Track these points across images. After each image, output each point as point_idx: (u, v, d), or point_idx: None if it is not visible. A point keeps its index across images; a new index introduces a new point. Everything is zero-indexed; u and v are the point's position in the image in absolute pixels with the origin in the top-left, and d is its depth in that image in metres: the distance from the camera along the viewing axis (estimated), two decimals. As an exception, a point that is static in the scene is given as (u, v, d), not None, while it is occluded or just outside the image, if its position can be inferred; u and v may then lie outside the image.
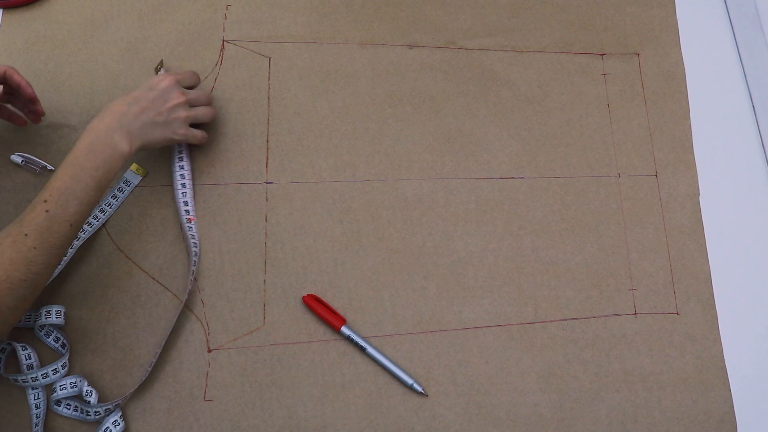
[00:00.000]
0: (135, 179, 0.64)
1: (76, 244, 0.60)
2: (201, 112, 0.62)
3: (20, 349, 0.56)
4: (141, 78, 0.67)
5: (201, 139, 0.63)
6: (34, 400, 0.56)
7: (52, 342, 0.57)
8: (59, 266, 0.59)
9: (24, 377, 0.55)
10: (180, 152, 0.64)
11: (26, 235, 0.49)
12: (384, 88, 0.70)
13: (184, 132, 0.61)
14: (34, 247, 0.49)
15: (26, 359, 0.56)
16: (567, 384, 0.62)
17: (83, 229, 0.61)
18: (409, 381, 0.60)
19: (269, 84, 0.69)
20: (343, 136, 0.68)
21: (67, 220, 0.51)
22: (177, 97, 0.59)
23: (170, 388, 0.58)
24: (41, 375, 0.55)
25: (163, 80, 0.59)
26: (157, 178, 0.64)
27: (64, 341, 0.58)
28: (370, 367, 0.61)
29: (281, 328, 0.61)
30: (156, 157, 0.65)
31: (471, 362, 0.62)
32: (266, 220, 0.64)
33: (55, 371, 0.56)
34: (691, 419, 0.62)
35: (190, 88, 0.63)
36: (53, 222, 0.50)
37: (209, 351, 0.60)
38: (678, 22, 0.77)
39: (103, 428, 0.55)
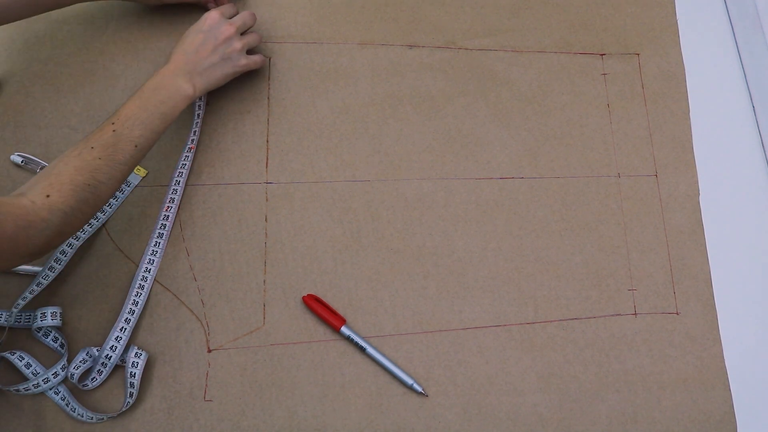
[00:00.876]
0: (135, 179, 0.64)
1: (76, 244, 0.60)
2: (252, 39, 0.65)
3: (17, 360, 0.56)
4: (141, 78, 0.67)
5: (262, 62, 0.66)
6: (61, 400, 0.56)
7: (51, 342, 0.57)
8: (60, 267, 0.59)
9: (26, 386, 0.55)
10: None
11: (92, 147, 0.52)
12: (384, 88, 0.70)
13: (244, 62, 0.63)
14: (99, 158, 0.51)
15: (26, 368, 0.56)
16: (567, 384, 0.62)
17: (83, 229, 0.61)
18: (409, 381, 0.60)
19: (269, 84, 0.69)
20: (343, 136, 0.68)
21: (132, 140, 0.54)
22: (226, 30, 0.61)
23: (170, 388, 0.58)
24: (42, 380, 0.55)
25: (208, 18, 0.61)
26: (157, 178, 0.64)
27: (63, 341, 0.58)
28: (370, 367, 0.61)
29: (281, 328, 0.61)
30: (156, 158, 0.65)
31: (471, 362, 0.62)
32: (266, 220, 0.64)
33: (56, 374, 0.56)
34: (691, 419, 0.62)
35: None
36: (119, 139, 0.53)
37: (209, 351, 0.60)
38: (678, 22, 0.77)
39: (129, 362, 0.57)
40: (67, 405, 0.56)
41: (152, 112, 0.56)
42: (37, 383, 0.55)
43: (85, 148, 0.51)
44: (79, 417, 0.56)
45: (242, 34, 0.64)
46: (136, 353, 0.57)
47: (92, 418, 0.56)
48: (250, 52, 0.66)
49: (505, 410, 0.61)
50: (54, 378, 0.55)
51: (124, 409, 0.56)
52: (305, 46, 0.71)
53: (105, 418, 0.56)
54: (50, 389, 0.56)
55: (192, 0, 0.68)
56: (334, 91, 0.69)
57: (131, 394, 0.56)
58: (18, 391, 0.55)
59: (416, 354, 0.62)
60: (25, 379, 0.56)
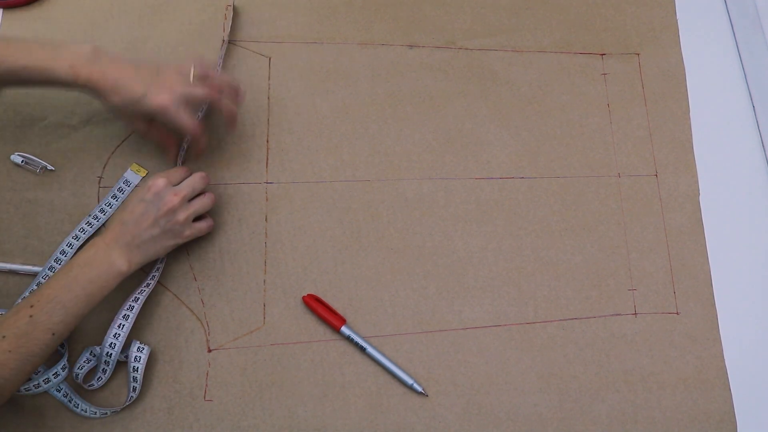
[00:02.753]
0: (135, 179, 0.64)
1: (76, 244, 0.60)
2: (200, 205, 0.58)
3: None
4: (141, 78, 0.67)
5: (207, 228, 0.60)
6: (63, 396, 0.56)
7: None
8: (60, 267, 0.59)
9: (26, 386, 0.55)
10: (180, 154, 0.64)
11: (3, 337, 0.47)
12: (384, 88, 0.70)
13: (188, 233, 0.58)
14: (9, 351, 0.47)
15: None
16: (567, 384, 0.62)
17: (83, 229, 0.61)
18: (409, 381, 0.60)
19: (269, 84, 0.69)
20: (343, 136, 0.68)
21: (50, 328, 0.49)
22: (170, 201, 0.56)
23: (170, 388, 0.58)
24: (43, 381, 0.55)
25: (153, 186, 0.56)
26: (157, 178, 0.64)
27: (63, 341, 0.58)
28: (370, 367, 0.61)
29: (281, 328, 0.61)
30: (156, 157, 0.65)
31: (471, 362, 0.62)
32: (266, 220, 0.64)
33: (56, 375, 0.56)
34: (691, 419, 0.62)
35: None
36: (35, 327, 0.49)
37: (209, 351, 0.60)
38: (678, 22, 0.77)
39: (132, 357, 0.57)
40: (69, 401, 0.56)
41: (77, 293, 0.51)
42: (38, 383, 0.55)
43: None
44: (82, 413, 0.56)
45: (192, 199, 0.58)
46: (138, 347, 0.57)
47: (95, 413, 0.56)
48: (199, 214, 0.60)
49: (505, 410, 0.61)
50: (55, 378, 0.55)
51: (127, 404, 0.56)
52: (305, 46, 0.71)
53: (108, 412, 0.56)
54: (51, 389, 0.56)
55: (154, 140, 0.63)
56: (334, 91, 0.69)
57: (134, 389, 0.56)
58: (19, 391, 0.55)
59: (416, 354, 0.62)
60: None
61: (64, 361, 0.56)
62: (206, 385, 0.59)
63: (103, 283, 0.53)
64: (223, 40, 0.69)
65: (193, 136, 0.61)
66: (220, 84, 0.60)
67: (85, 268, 0.52)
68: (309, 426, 0.59)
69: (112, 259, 0.53)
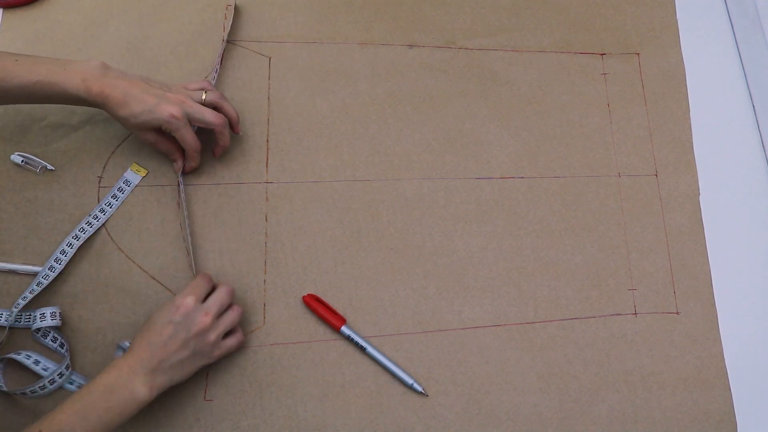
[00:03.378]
0: (135, 179, 0.64)
1: (76, 244, 0.60)
2: (230, 321, 0.56)
3: (24, 359, 0.56)
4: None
5: (237, 346, 0.58)
6: (77, 388, 0.57)
7: (50, 342, 0.57)
8: (60, 267, 0.59)
9: (32, 388, 0.55)
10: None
11: None
12: (384, 88, 0.70)
13: (218, 353, 0.56)
14: None
15: (36, 364, 0.56)
16: (567, 384, 0.62)
17: (83, 229, 0.61)
18: (409, 381, 0.60)
19: (269, 84, 0.69)
20: (343, 136, 0.68)
21: None
22: (201, 321, 0.53)
23: (170, 388, 0.58)
24: (48, 381, 0.55)
25: (181, 307, 0.53)
26: (157, 178, 0.64)
27: (63, 341, 0.58)
28: (370, 367, 0.61)
29: (281, 328, 0.61)
30: (156, 158, 0.65)
31: (471, 362, 0.62)
32: (266, 220, 0.64)
33: (61, 375, 0.56)
34: (691, 419, 0.62)
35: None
36: None
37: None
38: (678, 22, 0.77)
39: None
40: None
41: (93, 422, 0.48)
42: (44, 384, 0.55)
43: None
44: None
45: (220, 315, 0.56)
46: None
47: None
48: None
49: (505, 410, 0.61)
50: (60, 378, 0.55)
51: None
52: (305, 46, 0.71)
53: None
54: (59, 388, 0.56)
55: (163, 149, 0.62)
56: (334, 91, 0.69)
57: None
58: (25, 394, 0.55)
59: (416, 354, 0.62)
60: (31, 381, 0.56)
61: (66, 361, 0.56)
62: (206, 385, 0.59)
63: (121, 412, 0.49)
64: (223, 40, 0.69)
65: (193, 154, 0.61)
66: (228, 113, 0.62)
67: (104, 394, 0.49)
68: (309, 426, 0.59)
69: (134, 385, 0.50)
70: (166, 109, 0.56)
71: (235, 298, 0.60)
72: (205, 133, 0.63)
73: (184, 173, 0.64)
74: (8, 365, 0.57)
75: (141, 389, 0.50)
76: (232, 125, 0.63)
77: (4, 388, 0.56)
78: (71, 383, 0.57)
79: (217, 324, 0.55)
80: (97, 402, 0.49)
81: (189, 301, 0.54)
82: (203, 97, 0.60)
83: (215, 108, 0.61)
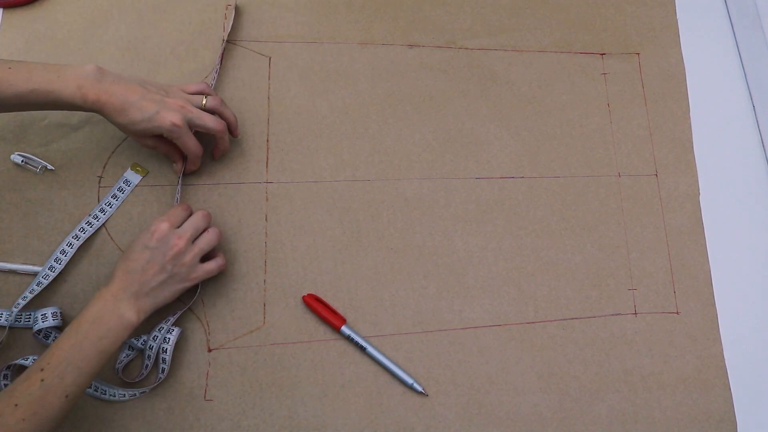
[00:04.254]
0: (135, 179, 0.64)
1: (76, 243, 0.60)
2: (205, 242, 0.57)
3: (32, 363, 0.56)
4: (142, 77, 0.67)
5: (219, 268, 0.58)
6: (94, 391, 0.57)
7: (52, 342, 0.57)
8: (60, 267, 0.59)
9: None
10: None
11: (16, 405, 0.46)
12: (384, 88, 0.70)
13: (196, 275, 0.56)
14: (23, 419, 0.45)
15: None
16: (567, 384, 0.62)
17: (83, 229, 0.61)
18: (409, 381, 0.60)
19: (269, 84, 0.69)
20: (343, 136, 0.68)
21: (63, 390, 0.48)
22: (176, 245, 0.54)
23: (170, 388, 0.58)
24: None
25: (156, 232, 0.54)
26: (157, 178, 0.64)
27: (65, 341, 0.58)
28: (370, 367, 0.61)
29: (281, 328, 0.61)
30: (156, 157, 0.65)
31: (471, 362, 0.62)
32: (266, 220, 0.64)
33: None
34: (691, 419, 0.62)
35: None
36: (48, 391, 0.47)
37: (209, 351, 0.60)
38: (678, 22, 0.77)
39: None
40: (96, 390, 0.57)
41: (88, 351, 0.49)
42: None
43: (8, 406, 0.45)
44: (111, 398, 0.57)
45: (196, 238, 0.57)
46: (168, 329, 0.58)
47: (124, 395, 0.57)
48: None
49: (505, 410, 0.61)
50: None
51: (156, 384, 0.57)
52: (305, 46, 0.71)
53: (137, 394, 0.57)
54: None
55: (163, 152, 0.62)
56: (334, 91, 0.69)
57: (163, 370, 0.57)
58: None
59: (416, 354, 0.62)
60: None
61: None
62: (206, 385, 0.59)
63: (114, 337, 0.51)
64: (223, 40, 0.69)
65: (195, 160, 0.61)
66: (228, 119, 0.62)
67: (94, 324, 0.50)
68: (309, 426, 0.59)
69: (121, 311, 0.52)
70: (167, 117, 0.55)
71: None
72: (205, 134, 0.63)
73: (185, 174, 0.63)
74: (12, 371, 0.57)
75: (128, 313, 0.52)
76: (231, 129, 0.63)
77: None
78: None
79: (193, 246, 0.56)
80: (89, 333, 0.50)
81: (163, 226, 0.55)
82: (204, 102, 0.60)
83: (215, 113, 0.61)
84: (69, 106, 0.54)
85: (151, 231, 0.55)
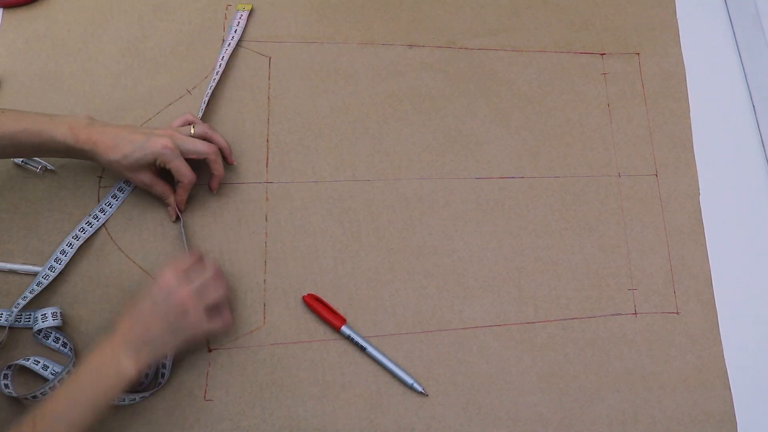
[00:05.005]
0: (135, 179, 0.64)
1: (76, 244, 0.60)
2: (212, 296, 0.54)
3: (33, 365, 0.56)
4: (141, 78, 0.67)
5: (225, 327, 0.56)
6: None
7: (53, 343, 0.57)
8: (60, 267, 0.59)
9: (43, 389, 0.55)
10: None
11: None
12: (384, 88, 0.70)
13: (201, 331, 0.54)
14: None
15: (44, 369, 0.56)
16: (567, 384, 0.62)
17: (83, 229, 0.61)
18: (409, 381, 0.60)
19: (269, 84, 0.69)
20: (343, 136, 0.68)
21: None
22: (181, 298, 0.52)
23: (170, 389, 0.58)
24: (49, 388, 0.55)
25: (163, 278, 0.53)
26: (157, 178, 0.64)
27: (65, 341, 0.58)
28: (370, 367, 0.61)
29: (281, 328, 0.61)
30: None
31: (471, 362, 0.62)
32: (266, 220, 0.64)
33: (62, 380, 0.56)
34: (691, 419, 0.62)
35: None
36: None
37: (209, 351, 0.60)
38: (678, 22, 0.77)
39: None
40: None
41: (83, 406, 0.48)
42: (54, 385, 0.55)
43: None
44: (110, 402, 0.56)
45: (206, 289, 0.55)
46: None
47: (124, 400, 0.56)
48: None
49: (505, 410, 0.61)
50: (68, 376, 0.56)
51: (156, 389, 0.57)
52: (305, 45, 0.71)
53: (137, 398, 0.57)
54: None
55: (157, 193, 0.61)
56: (334, 91, 0.69)
57: (163, 375, 0.57)
58: (35, 397, 0.55)
59: (416, 354, 0.62)
60: (36, 384, 0.56)
61: (72, 362, 0.56)
62: (206, 385, 0.59)
63: (110, 391, 0.50)
64: (223, 40, 0.69)
65: (188, 187, 0.60)
66: (219, 143, 0.62)
67: (92, 376, 0.49)
68: (309, 426, 0.59)
69: (120, 364, 0.50)
70: (158, 141, 0.56)
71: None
72: (201, 167, 0.62)
73: (179, 210, 0.62)
74: (16, 372, 0.57)
75: (127, 366, 0.50)
76: (225, 156, 0.63)
77: (14, 394, 0.56)
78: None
79: (199, 300, 0.53)
80: (86, 385, 0.49)
81: (168, 276, 0.53)
82: (191, 131, 0.60)
83: (205, 139, 0.61)
84: (60, 148, 0.55)
85: (158, 282, 0.53)
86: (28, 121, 0.54)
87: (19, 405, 0.56)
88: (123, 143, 0.55)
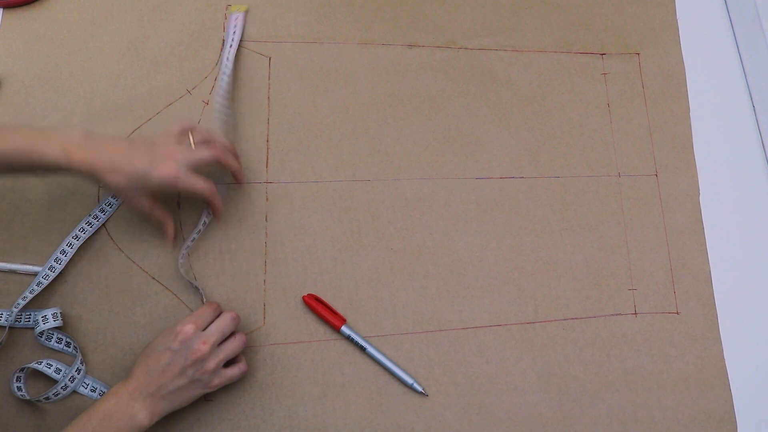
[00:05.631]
0: (135, 179, 0.64)
1: (76, 244, 0.60)
2: (231, 350, 0.55)
3: (45, 368, 0.56)
4: (141, 78, 0.67)
5: (240, 374, 0.56)
6: (91, 392, 0.57)
7: (56, 344, 0.57)
8: (60, 267, 0.59)
9: (55, 390, 0.55)
10: None
11: None
12: (384, 88, 0.70)
13: (217, 383, 0.54)
14: None
15: (57, 373, 0.56)
16: (567, 384, 0.62)
17: (83, 229, 0.61)
18: (409, 381, 0.60)
19: (269, 84, 0.69)
20: (343, 136, 0.68)
21: None
22: (199, 349, 0.52)
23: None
24: (60, 388, 0.55)
25: (180, 333, 0.52)
26: (157, 178, 0.64)
27: (68, 340, 0.58)
28: (370, 367, 0.61)
29: (281, 328, 0.61)
30: (156, 157, 0.65)
31: (471, 362, 0.62)
32: (266, 220, 0.64)
33: (72, 379, 0.56)
34: (691, 419, 0.62)
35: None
36: None
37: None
38: (678, 22, 0.77)
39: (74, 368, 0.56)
40: (100, 396, 0.56)
41: None
42: (65, 384, 0.55)
43: None
44: None
45: (222, 342, 0.55)
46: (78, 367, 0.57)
47: None
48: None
49: (505, 410, 0.61)
50: (78, 374, 0.56)
51: None
52: (305, 45, 0.71)
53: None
54: (78, 387, 0.56)
55: (156, 218, 0.59)
56: (334, 91, 0.69)
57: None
58: (48, 399, 0.55)
59: (416, 354, 0.62)
60: (45, 387, 0.56)
61: (79, 359, 0.56)
62: (206, 385, 0.59)
63: None
64: (223, 41, 0.69)
65: (210, 198, 0.58)
66: (222, 144, 0.59)
67: (103, 421, 0.49)
68: (309, 426, 0.59)
69: (133, 411, 0.50)
70: (163, 170, 0.53)
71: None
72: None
73: (216, 218, 0.61)
74: (27, 373, 0.57)
75: (141, 415, 0.50)
76: (236, 175, 0.61)
77: (27, 397, 0.56)
78: (84, 386, 0.57)
79: (217, 352, 0.54)
80: (97, 429, 0.49)
81: (188, 328, 0.53)
82: (191, 139, 0.57)
83: (208, 143, 0.58)
84: (55, 168, 0.51)
85: (176, 332, 0.53)
86: (19, 139, 0.50)
87: (32, 407, 0.57)
88: (123, 167, 0.52)
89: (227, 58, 0.67)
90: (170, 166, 0.53)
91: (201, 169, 0.56)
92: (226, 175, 0.63)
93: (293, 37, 0.71)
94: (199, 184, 0.56)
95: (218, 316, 0.56)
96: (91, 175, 0.52)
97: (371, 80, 0.70)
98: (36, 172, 0.52)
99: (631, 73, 0.74)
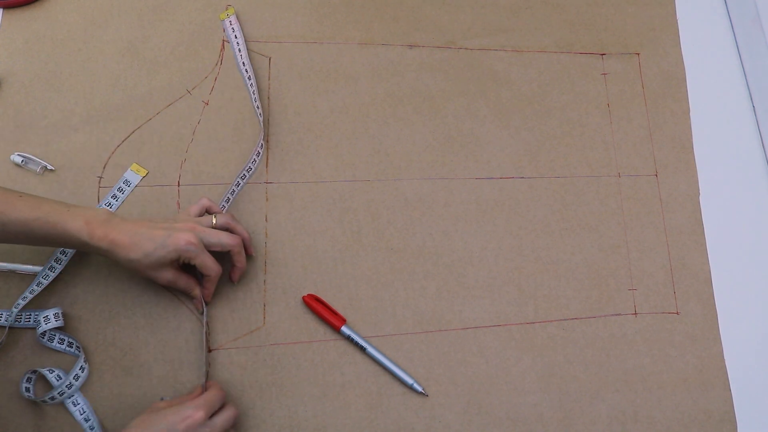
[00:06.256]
0: (135, 179, 0.64)
1: (76, 244, 0.60)
2: (222, 420, 0.52)
3: (47, 372, 0.56)
4: (141, 78, 0.67)
5: (233, 418, 0.54)
6: (80, 414, 0.56)
7: (58, 345, 0.57)
8: (60, 267, 0.59)
9: (51, 395, 0.55)
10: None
11: None
12: (384, 88, 0.70)
13: None
14: None
15: (57, 380, 0.56)
16: (567, 384, 0.62)
17: (83, 230, 0.61)
18: (409, 381, 0.60)
19: (269, 84, 0.69)
20: (343, 136, 0.68)
21: None
22: (193, 417, 0.50)
23: (170, 388, 0.58)
24: (66, 386, 0.55)
25: (190, 418, 0.50)
26: (157, 178, 0.64)
27: (70, 340, 0.58)
28: (370, 367, 0.61)
29: (281, 328, 0.61)
30: (156, 157, 0.65)
31: (471, 362, 0.62)
32: (266, 220, 0.64)
33: (77, 377, 0.56)
34: (691, 419, 0.62)
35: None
36: None
37: (209, 351, 0.60)
38: (678, 22, 0.77)
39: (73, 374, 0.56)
40: (86, 421, 0.56)
41: None
42: (63, 390, 0.55)
43: None
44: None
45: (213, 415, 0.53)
46: (80, 367, 0.57)
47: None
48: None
49: (505, 410, 0.61)
50: (76, 381, 0.56)
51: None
52: (305, 46, 0.71)
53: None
54: (77, 392, 0.56)
55: (182, 287, 0.58)
56: (334, 91, 0.69)
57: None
58: (54, 398, 0.55)
59: (416, 354, 0.62)
60: (47, 388, 0.57)
61: (81, 360, 0.56)
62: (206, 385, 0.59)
63: None
64: (223, 41, 0.69)
65: (215, 280, 0.58)
66: (241, 234, 0.59)
67: None
68: (309, 426, 0.59)
69: None
70: (181, 237, 0.53)
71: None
72: (222, 258, 0.60)
73: (206, 303, 0.60)
74: (37, 376, 0.57)
75: None
76: (246, 246, 0.60)
77: (33, 397, 0.56)
78: (75, 404, 0.56)
79: (210, 422, 0.52)
80: None
81: (199, 416, 0.51)
82: (213, 221, 0.57)
83: (227, 230, 0.58)
84: (74, 242, 0.52)
85: (185, 415, 0.50)
86: (43, 209, 0.51)
87: (32, 407, 0.57)
88: (143, 241, 0.52)
89: (243, 63, 0.67)
90: (188, 234, 0.54)
91: (219, 251, 0.57)
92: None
93: (293, 37, 0.71)
94: (211, 265, 0.56)
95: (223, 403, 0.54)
96: (110, 250, 0.52)
97: (371, 80, 0.70)
98: (53, 244, 0.53)
99: (631, 74, 0.74)
